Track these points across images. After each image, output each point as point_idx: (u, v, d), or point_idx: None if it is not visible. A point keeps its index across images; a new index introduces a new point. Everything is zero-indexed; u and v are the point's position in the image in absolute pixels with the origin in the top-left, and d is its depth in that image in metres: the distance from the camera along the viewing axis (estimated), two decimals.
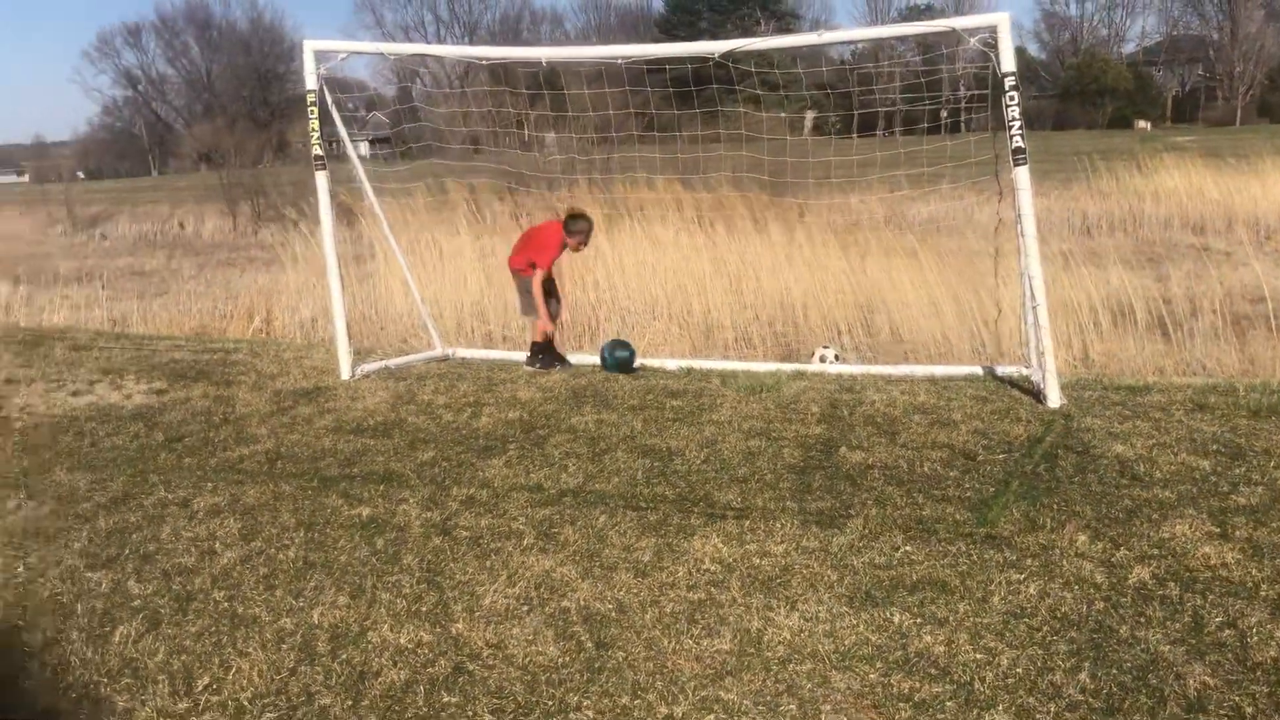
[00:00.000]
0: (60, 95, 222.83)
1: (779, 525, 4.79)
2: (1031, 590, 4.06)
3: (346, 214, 12.23)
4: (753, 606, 4.03)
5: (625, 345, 8.43)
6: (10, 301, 15.11)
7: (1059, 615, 3.86)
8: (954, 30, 6.80)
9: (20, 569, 4.59)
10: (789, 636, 3.79)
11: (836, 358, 8.46)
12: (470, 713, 3.37)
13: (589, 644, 3.79)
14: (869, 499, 5.09)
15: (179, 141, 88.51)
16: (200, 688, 3.56)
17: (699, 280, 10.82)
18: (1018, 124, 6.55)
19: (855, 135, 11.31)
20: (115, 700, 3.50)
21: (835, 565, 4.37)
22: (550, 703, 3.41)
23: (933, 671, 3.53)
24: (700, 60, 7.74)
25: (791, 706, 3.35)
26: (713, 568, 4.39)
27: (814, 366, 8.07)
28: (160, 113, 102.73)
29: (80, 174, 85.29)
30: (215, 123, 62.07)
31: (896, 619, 3.88)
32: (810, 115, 15.69)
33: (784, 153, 9.43)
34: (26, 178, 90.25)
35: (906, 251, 10.90)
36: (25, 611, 4.18)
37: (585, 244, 8.40)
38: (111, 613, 4.14)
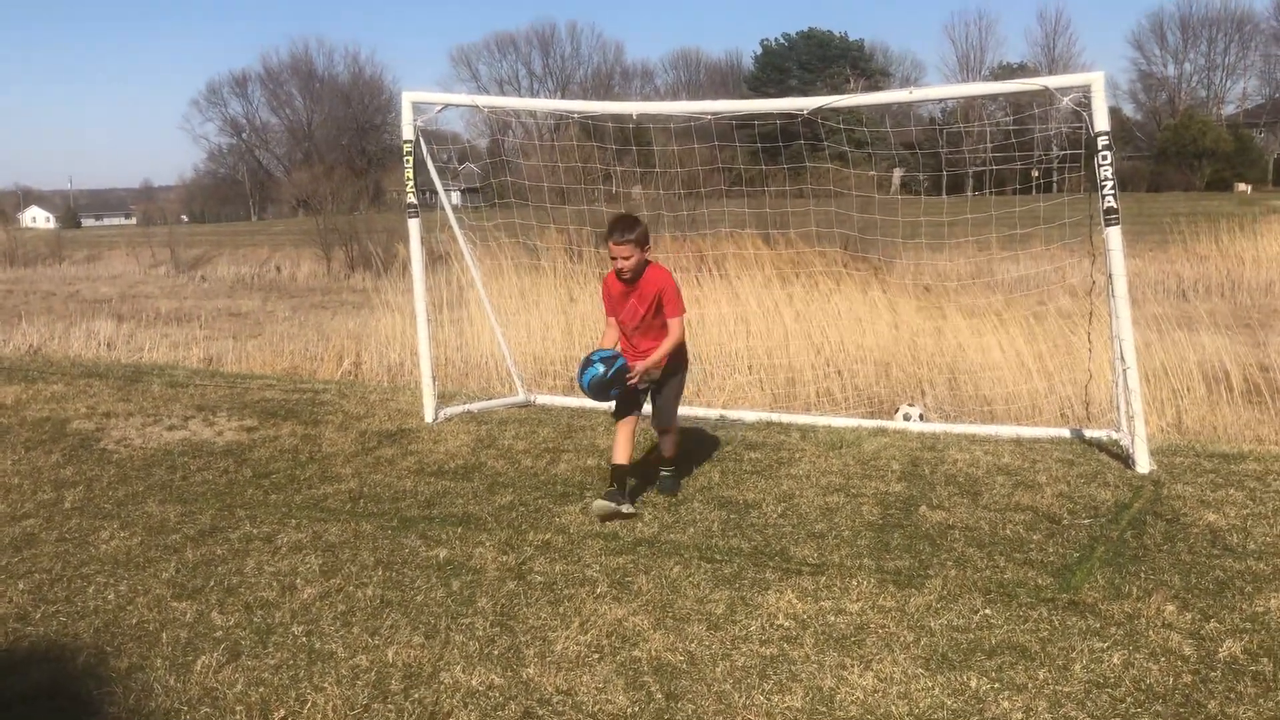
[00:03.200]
0: (169, 142, 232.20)
1: (855, 583, 4.73)
2: (1115, 660, 3.94)
3: (436, 261, 12.48)
4: (826, 664, 3.98)
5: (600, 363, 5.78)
6: (114, 338, 15.68)
7: (1144, 687, 3.74)
8: (1047, 89, 6.75)
9: (111, 596, 4.73)
10: (862, 696, 3.73)
11: (921, 416, 8.36)
12: None
13: (659, 695, 3.77)
14: (948, 560, 5.00)
15: (278, 188, 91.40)
16: (276, 719, 3.62)
17: (780, 334, 10.81)
18: (1110, 184, 6.46)
19: (944, 195, 11.24)
20: None
21: (912, 626, 4.30)
22: None
23: None
24: (789, 117, 7.81)
25: None
26: (786, 623, 4.34)
27: (896, 424, 7.97)
28: (262, 160, 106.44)
29: (184, 217, 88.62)
30: (314, 170, 63.92)
31: (974, 683, 3.80)
32: (898, 173, 15.63)
33: (870, 210, 9.41)
34: (134, 220, 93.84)
35: (993, 311, 10.76)
36: (114, 638, 4.30)
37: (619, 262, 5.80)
38: (195, 642, 4.24)
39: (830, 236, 10.45)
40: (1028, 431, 7.58)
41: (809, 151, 9.36)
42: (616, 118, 9.23)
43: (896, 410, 8.61)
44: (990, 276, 11.46)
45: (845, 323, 10.84)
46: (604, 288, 6.09)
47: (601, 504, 5.62)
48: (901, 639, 4.18)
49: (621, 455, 5.88)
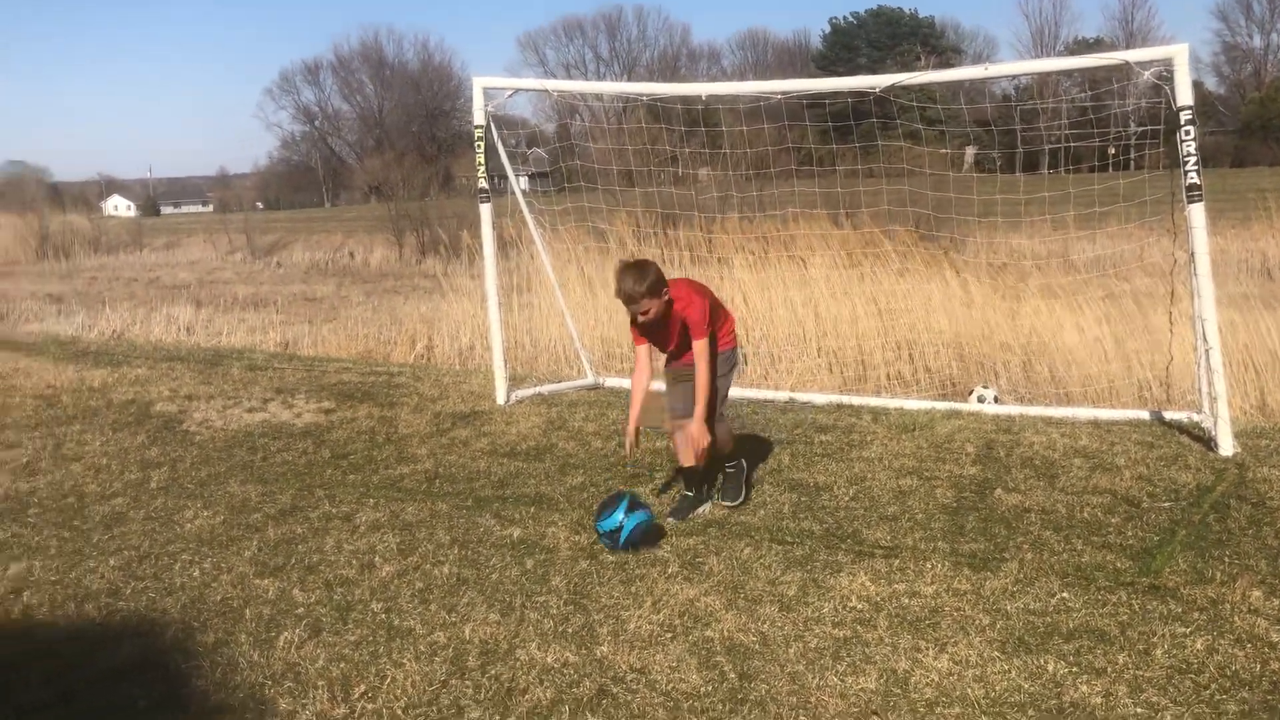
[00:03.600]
0: (244, 130, 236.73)
1: (929, 566, 4.70)
2: (1198, 645, 3.87)
3: (505, 246, 12.59)
4: (900, 647, 3.96)
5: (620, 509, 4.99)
6: (193, 323, 16.06)
7: (1229, 673, 3.67)
8: (1127, 63, 6.59)
9: (196, 573, 4.87)
10: (937, 679, 3.71)
11: (995, 399, 8.24)
12: None
13: (732, 674, 3.79)
14: (1024, 543, 4.94)
15: (351, 174, 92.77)
16: (357, 695, 3.71)
17: (850, 316, 10.72)
18: (1193, 160, 6.30)
19: (1020, 173, 11.03)
20: (278, 702, 3.67)
21: (987, 609, 4.26)
22: None
23: None
24: (861, 95, 7.72)
25: None
26: (859, 605, 4.33)
27: (970, 406, 7.88)
28: (334, 147, 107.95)
29: (259, 204, 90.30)
30: (385, 157, 64.79)
31: (1051, 667, 3.76)
32: (971, 151, 15.38)
33: (943, 188, 9.27)
34: (211, 207, 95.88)
35: (1069, 291, 10.55)
36: (200, 614, 4.43)
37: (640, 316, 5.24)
38: (277, 619, 4.35)
39: (902, 216, 10.31)
40: (1105, 414, 7.44)
41: (880, 130, 9.23)
42: (685, 99, 9.22)
43: (970, 392, 8.50)
44: (1066, 256, 11.23)
45: (916, 304, 10.71)
46: (632, 327, 5.43)
47: (669, 520, 5.39)
48: (977, 622, 4.15)
49: (684, 458, 5.60)
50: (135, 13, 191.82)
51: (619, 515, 4.91)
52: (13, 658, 4.03)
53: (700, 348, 5.24)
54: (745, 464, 5.84)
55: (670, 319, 5.30)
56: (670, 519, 5.37)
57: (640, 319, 5.21)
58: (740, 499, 5.63)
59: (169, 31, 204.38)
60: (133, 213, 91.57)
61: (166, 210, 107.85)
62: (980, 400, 8.15)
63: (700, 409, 5.22)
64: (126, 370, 9.88)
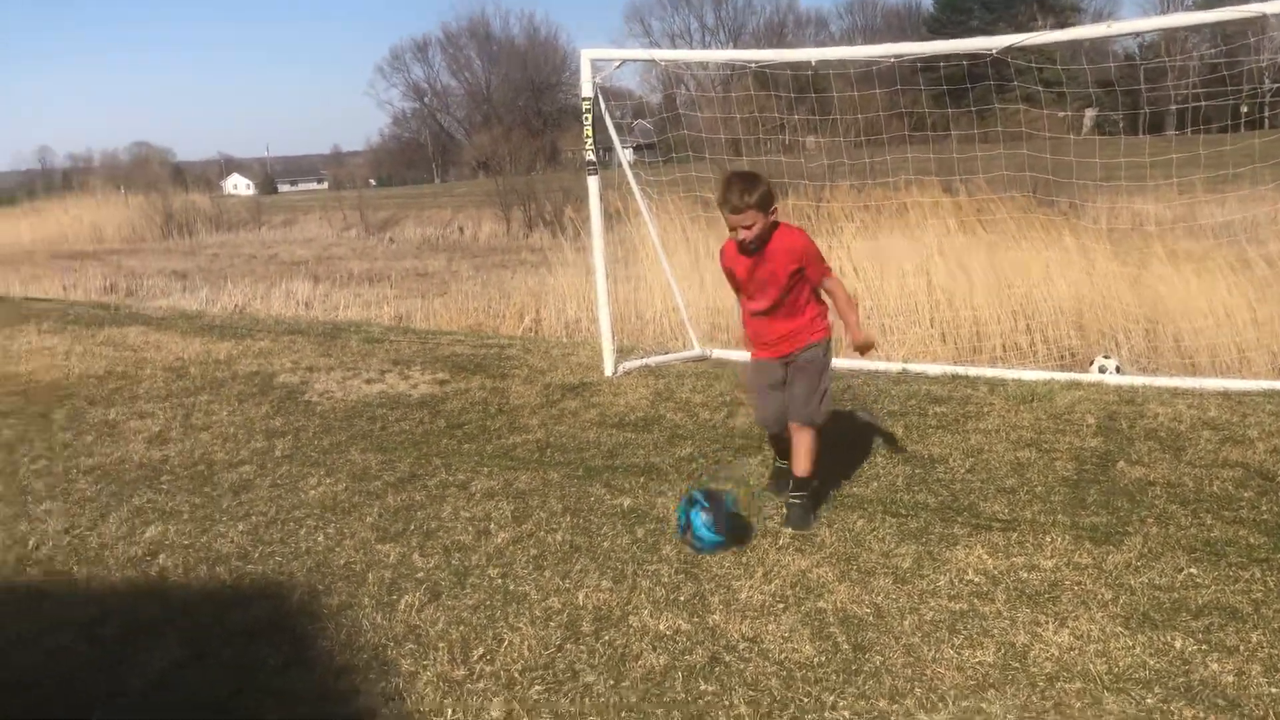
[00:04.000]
0: (356, 108, 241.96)
1: (1049, 539, 4.59)
2: None
3: (612, 218, 12.62)
4: (1018, 620, 3.89)
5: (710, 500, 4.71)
6: (311, 297, 16.54)
7: None
8: (1263, 15, 6.27)
9: (321, 538, 5.03)
10: (1057, 654, 3.63)
11: (1118, 369, 7.98)
12: (727, 703, 3.43)
13: (845, 645, 3.77)
14: (1149, 517, 4.79)
15: (459, 150, 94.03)
16: (475, 657, 3.79)
17: (965, 285, 10.48)
18: None
19: (1144, 134, 10.60)
20: (400, 663, 3.78)
21: (1110, 584, 4.14)
22: (806, 699, 3.42)
23: (1220, 702, 3.29)
24: (976, 57, 7.50)
25: None
26: (976, 578, 4.26)
27: (1091, 376, 7.64)
28: (443, 123, 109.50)
29: (372, 181, 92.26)
30: (493, 132, 65.43)
31: (1178, 644, 3.64)
32: (1091, 113, 14.83)
33: (1063, 152, 8.95)
34: (326, 185, 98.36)
35: (1197, 257, 10.13)
36: (324, 578, 4.58)
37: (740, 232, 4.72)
38: (398, 583, 4.47)
39: (1019, 181, 10.00)
40: (1236, 384, 7.14)
41: (996, 93, 8.95)
42: (794, 66, 9.08)
43: (1092, 362, 8.25)
44: (1193, 221, 10.77)
45: (1034, 272, 10.41)
46: (723, 261, 5.00)
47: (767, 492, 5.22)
48: (1099, 596, 4.04)
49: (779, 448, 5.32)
50: None
51: (683, 519, 4.63)
52: (152, 616, 4.23)
53: (837, 285, 4.89)
54: (818, 490, 5.15)
55: (772, 260, 4.73)
56: (790, 528, 4.84)
57: (742, 235, 4.68)
58: (809, 527, 4.86)
59: (284, 12, 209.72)
60: (251, 191, 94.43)
61: (283, 188, 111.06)
62: (1102, 370, 7.90)
63: (853, 317, 4.88)
64: (250, 343, 10.23)
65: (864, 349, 4.93)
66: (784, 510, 4.97)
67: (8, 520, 5.42)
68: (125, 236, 34.95)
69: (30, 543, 5.08)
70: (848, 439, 6.21)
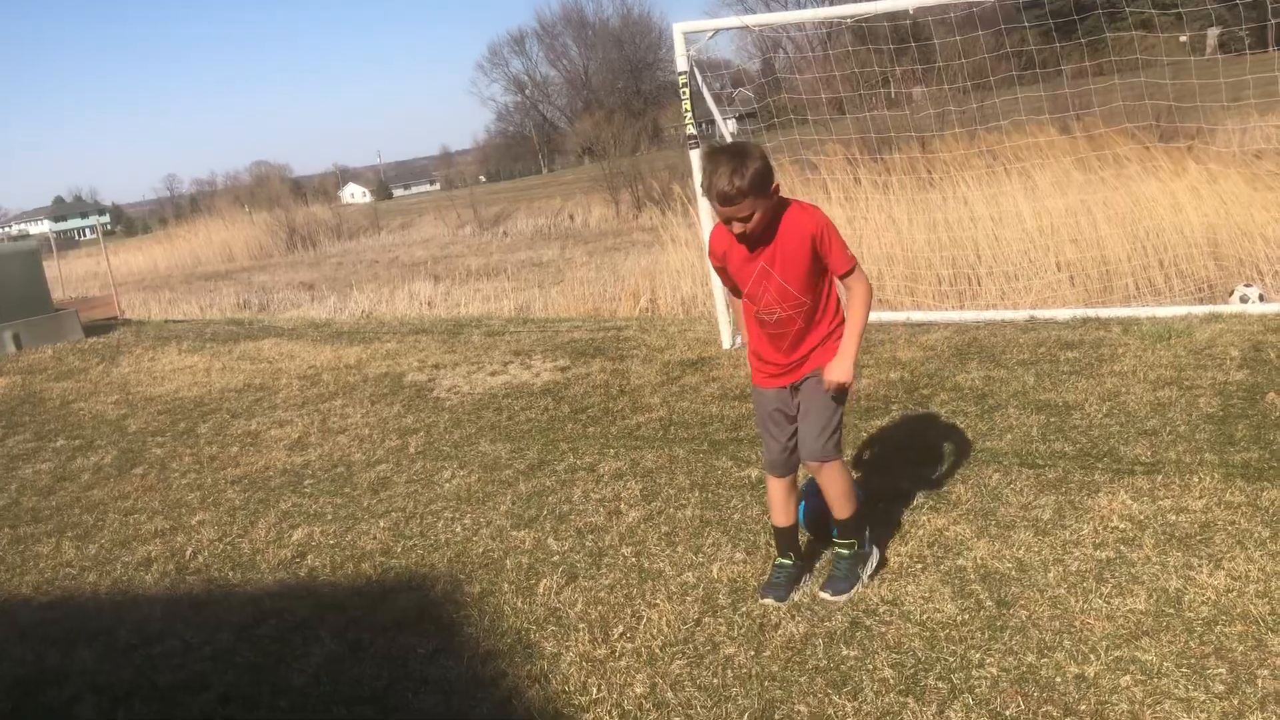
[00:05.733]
0: (460, 107, 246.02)
1: (1197, 479, 4.41)
2: None
3: None
4: (1169, 565, 3.75)
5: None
6: (433, 296, 16.92)
7: None
8: None
9: (459, 529, 5.16)
10: (1214, 596, 3.49)
11: (1261, 297, 7.60)
12: (870, 666, 3.39)
13: (989, 602, 3.69)
14: None
15: (563, 139, 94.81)
16: (616, 635, 3.84)
17: (1090, 226, 10.11)
18: None
19: (1274, 48, 10.03)
20: (543, 645, 3.85)
21: (1267, 521, 3.96)
22: (951, 659, 3.36)
23: None
24: None
25: (1221, 670, 3.08)
26: (1121, 525, 4.12)
27: (1232, 308, 7.29)
28: (546, 113, 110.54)
29: (482, 178, 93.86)
30: (594, 117, 65.81)
31: None
32: (1214, 32, 14.10)
33: (1184, 76, 8.53)
34: (438, 185, 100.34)
35: None
36: (465, 567, 4.70)
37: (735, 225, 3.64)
38: (535, 567, 4.55)
39: (1139, 112, 9.59)
40: None
41: (1107, 22, 8.59)
42: (890, 16, 8.87)
43: (1231, 293, 7.87)
44: None
45: (1162, 205, 9.97)
46: (712, 250, 3.92)
47: (765, 601, 3.93)
48: (1255, 535, 3.87)
49: (779, 515, 4.10)
50: (351, 11, 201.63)
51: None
52: (306, 614, 4.40)
53: (860, 283, 3.75)
54: (871, 541, 4.07)
55: (785, 246, 3.69)
56: (766, 599, 3.93)
57: (739, 230, 3.63)
58: (852, 590, 3.89)
59: (383, 18, 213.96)
60: (367, 198, 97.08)
61: (397, 192, 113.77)
62: (1243, 300, 7.53)
63: (851, 345, 3.75)
64: (377, 346, 10.52)
65: (838, 386, 3.76)
66: (831, 567, 4.02)
67: (165, 532, 5.71)
68: (253, 253, 36.31)
69: (188, 553, 5.34)
70: (977, 393, 6.07)
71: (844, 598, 3.86)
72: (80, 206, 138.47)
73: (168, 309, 19.95)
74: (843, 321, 3.84)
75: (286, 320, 14.82)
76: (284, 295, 21.26)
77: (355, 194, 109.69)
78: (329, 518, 5.60)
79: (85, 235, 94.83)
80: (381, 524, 5.38)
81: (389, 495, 5.83)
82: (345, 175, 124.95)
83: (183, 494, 6.39)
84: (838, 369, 3.73)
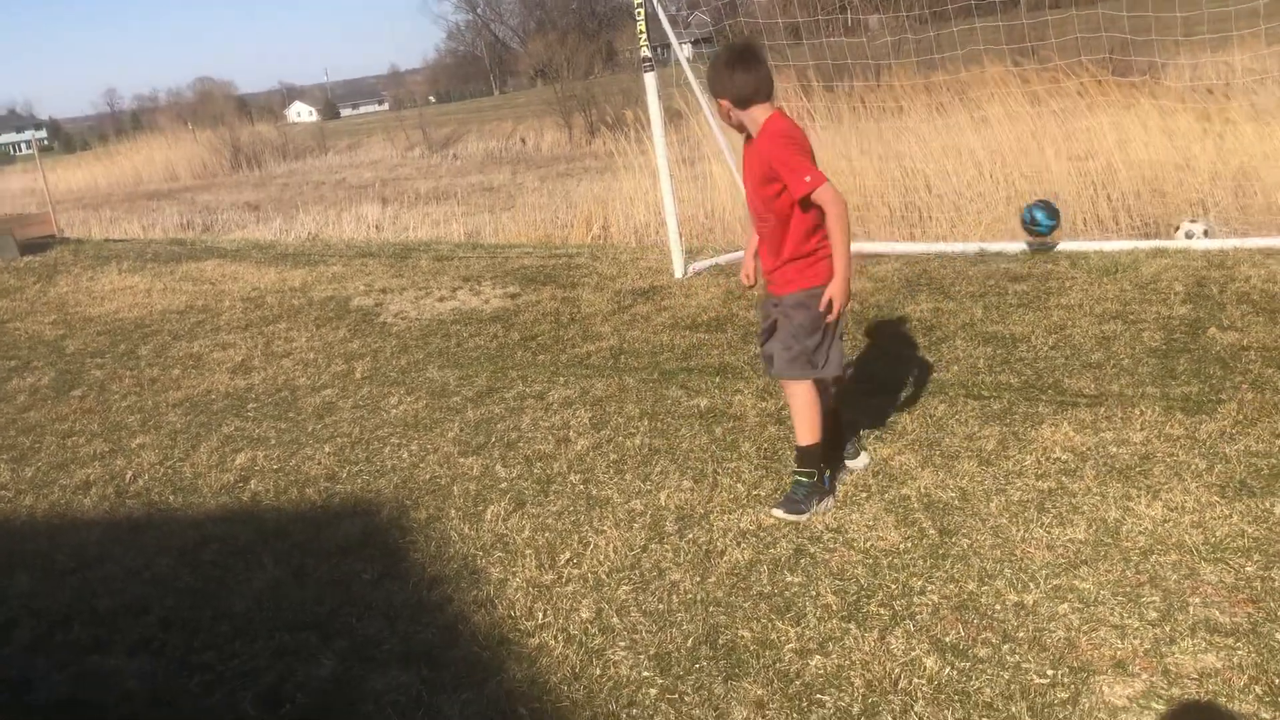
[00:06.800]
0: (411, 25, 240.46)
1: (1138, 412, 4.48)
2: None
3: (673, 118, 12.42)
4: (1109, 496, 3.81)
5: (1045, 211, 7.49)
6: (380, 220, 16.66)
7: None
8: None
9: (405, 455, 5.12)
10: (1151, 526, 3.56)
11: (1206, 233, 7.68)
12: (814, 593, 3.43)
13: (931, 531, 3.73)
14: (1244, 383, 4.64)
15: (516, 60, 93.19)
16: (563, 561, 3.84)
17: (1040, 159, 10.14)
18: None
19: None
20: (490, 571, 3.85)
21: (1204, 453, 4.03)
22: (894, 586, 3.41)
23: None
24: None
25: (1155, 598, 3.15)
26: (1064, 456, 4.18)
27: (1177, 243, 7.37)
28: (498, 33, 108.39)
29: (431, 98, 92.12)
30: (548, 38, 64.65)
31: (1278, 510, 3.54)
32: None
33: (1140, 8, 8.52)
34: (386, 105, 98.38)
35: None
36: (411, 493, 4.67)
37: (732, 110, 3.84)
38: (483, 494, 4.54)
39: (1095, 44, 9.57)
40: None
41: None
42: None
43: (1177, 228, 7.95)
44: None
45: (1112, 140, 10.01)
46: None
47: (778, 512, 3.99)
48: (1193, 467, 3.94)
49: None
50: None
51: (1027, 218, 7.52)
52: (249, 539, 4.36)
53: (826, 197, 3.64)
54: (831, 484, 4.11)
55: (751, 157, 3.86)
56: (778, 512, 3.98)
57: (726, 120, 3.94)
58: (801, 515, 3.94)
59: None
60: (314, 118, 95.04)
61: (345, 112, 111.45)
62: (1189, 236, 7.62)
63: (839, 265, 3.72)
64: (323, 269, 10.35)
65: (833, 302, 3.75)
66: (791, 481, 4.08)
67: (105, 456, 5.61)
68: (197, 172, 35.46)
69: (127, 476, 5.26)
70: (925, 325, 6.10)
71: (791, 517, 3.93)
72: (15, 121, 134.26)
73: (108, 228, 19.44)
74: (814, 250, 3.82)
75: (230, 241, 14.52)
76: (228, 216, 20.83)
77: (302, 113, 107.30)
78: (273, 442, 5.53)
79: (21, 150, 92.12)
80: (326, 449, 5.32)
81: (334, 421, 5.76)
82: (291, 93, 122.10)
83: (122, 417, 6.28)
84: (831, 288, 3.74)
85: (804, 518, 3.93)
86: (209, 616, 3.75)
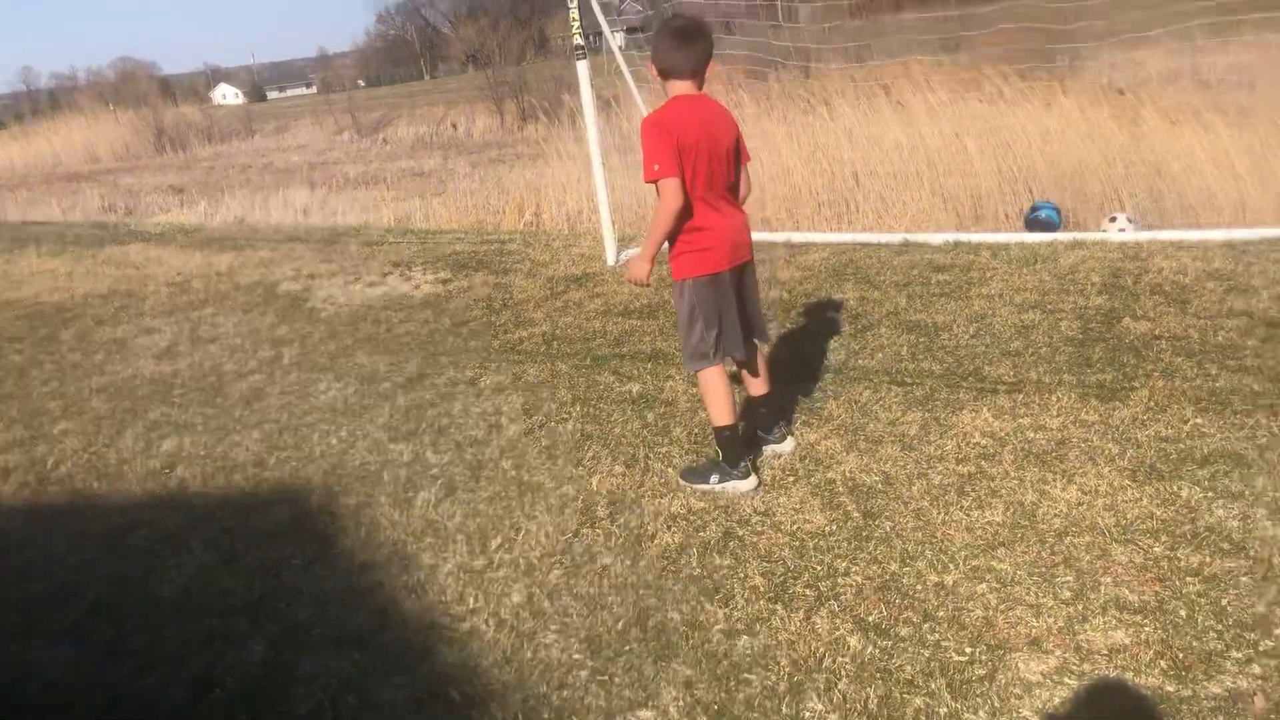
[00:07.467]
0: (340, 8, 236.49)
1: (1055, 398, 4.63)
2: None
3: (605, 106, 12.42)
4: (1026, 480, 3.94)
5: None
6: (309, 204, 16.42)
7: None
8: None
9: (334, 441, 5.09)
10: (1066, 509, 3.69)
11: (1130, 220, 7.93)
12: (742, 575, 3.50)
13: (856, 513, 3.83)
14: (1155, 370, 4.81)
15: (447, 44, 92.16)
16: (494, 547, 3.87)
17: (962, 153, 10.34)
18: None
19: None
20: (420, 557, 3.86)
21: (1117, 439, 4.19)
22: (819, 567, 3.49)
23: (1225, 546, 3.35)
24: None
25: (1069, 578, 3.28)
26: (983, 441, 4.30)
27: (1093, 235, 7.58)
28: (429, 18, 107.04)
29: (361, 82, 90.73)
30: (479, 23, 64.06)
31: (1185, 493, 3.69)
32: None
33: (1062, 2, 8.73)
34: (315, 89, 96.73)
35: (1198, 109, 9.96)
36: (341, 479, 4.65)
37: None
38: (414, 480, 4.54)
39: (1019, 38, 9.78)
40: (1240, 233, 7.09)
41: None
42: None
43: (1114, 219, 8.14)
44: (1194, 73, 10.57)
45: (1033, 135, 10.25)
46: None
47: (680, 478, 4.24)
48: (1106, 452, 4.09)
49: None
50: None
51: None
52: (176, 526, 4.31)
53: (661, 191, 3.77)
54: (736, 478, 4.09)
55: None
56: (680, 478, 4.23)
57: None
58: (699, 484, 4.12)
59: None
60: (240, 100, 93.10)
61: (272, 95, 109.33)
62: (1121, 230, 7.83)
63: (644, 244, 3.93)
64: (250, 254, 10.20)
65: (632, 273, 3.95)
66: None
67: (25, 442, 5.49)
68: (119, 154, 34.53)
69: (49, 462, 5.16)
70: (852, 313, 6.22)
71: (684, 482, 4.18)
72: None
73: (25, 210, 18.90)
74: (682, 243, 3.92)
75: (155, 225, 14.22)
76: (152, 199, 20.37)
77: (227, 95, 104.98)
78: (200, 428, 5.46)
79: None
80: (255, 435, 5.27)
81: (262, 407, 5.71)
82: (217, 75, 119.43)
83: (44, 402, 6.15)
84: (631, 261, 3.99)
85: (698, 488, 4.11)
86: (136, 603, 3.71)
